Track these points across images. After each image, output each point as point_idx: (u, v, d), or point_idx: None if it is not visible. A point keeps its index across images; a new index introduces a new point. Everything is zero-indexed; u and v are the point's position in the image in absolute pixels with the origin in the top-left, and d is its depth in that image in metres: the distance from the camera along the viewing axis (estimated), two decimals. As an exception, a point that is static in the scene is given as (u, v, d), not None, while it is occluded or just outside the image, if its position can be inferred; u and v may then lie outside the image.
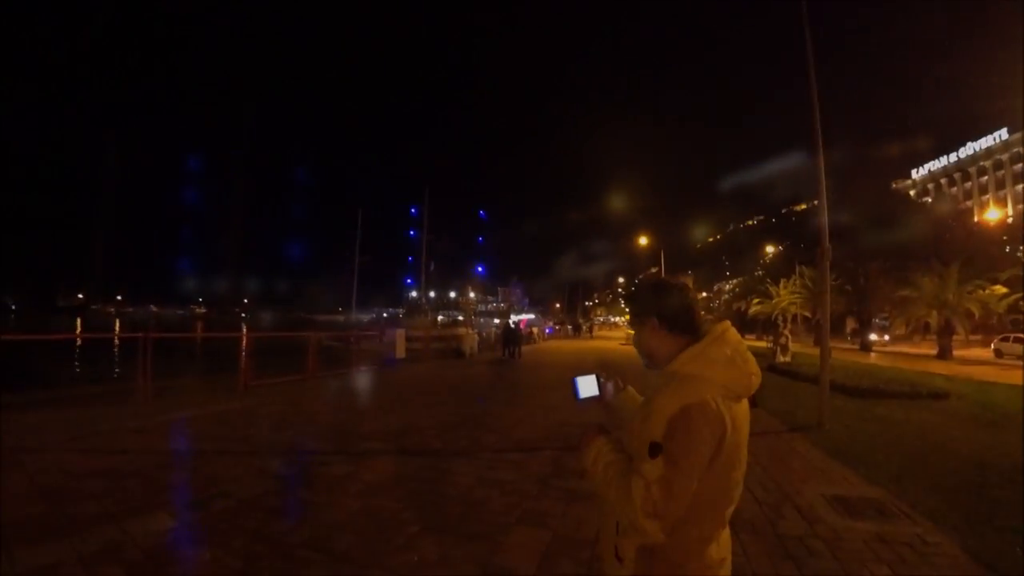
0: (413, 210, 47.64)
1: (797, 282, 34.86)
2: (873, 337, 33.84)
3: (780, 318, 22.19)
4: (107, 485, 4.37)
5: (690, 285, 1.51)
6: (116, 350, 21.48)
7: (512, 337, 21.93)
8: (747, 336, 50.01)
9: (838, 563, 3.24)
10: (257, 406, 8.53)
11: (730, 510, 1.36)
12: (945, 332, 24.08)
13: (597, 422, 1.50)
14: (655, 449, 1.21)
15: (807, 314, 34.37)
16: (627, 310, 1.59)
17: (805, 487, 4.74)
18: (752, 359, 1.35)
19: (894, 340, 37.50)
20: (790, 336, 19.59)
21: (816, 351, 8.77)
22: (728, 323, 1.44)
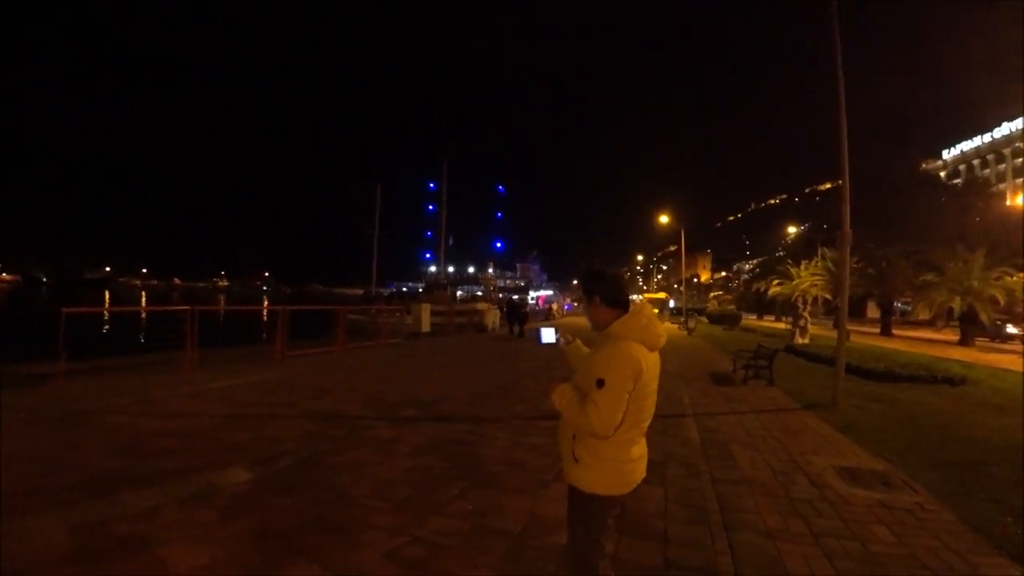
0: (431, 184, 47.74)
1: (819, 264, 34.51)
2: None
3: (800, 300, 22.10)
4: (180, 443, 4.89)
5: (622, 273, 2.34)
6: (144, 321, 22.30)
7: (516, 314, 21.37)
8: (766, 317, 49.79)
9: (842, 523, 3.62)
10: (294, 375, 9.06)
11: (645, 424, 2.07)
12: (967, 318, 23.86)
13: (561, 375, 2.21)
14: (600, 383, 1.90)
15: (828, 296, 34.09)
16: (580, 289, 2.25)
17: (815, 458, 5.13)
18: (660, 325, 2.06)
19: (916, 325, 37.09)
20: (809, 318, 19.69)
21: (835, 334, 9.03)
22: (645, 301, 2.32)
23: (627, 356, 1.92)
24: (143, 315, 24.26)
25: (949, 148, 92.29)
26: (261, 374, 9.03)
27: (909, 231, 30.46)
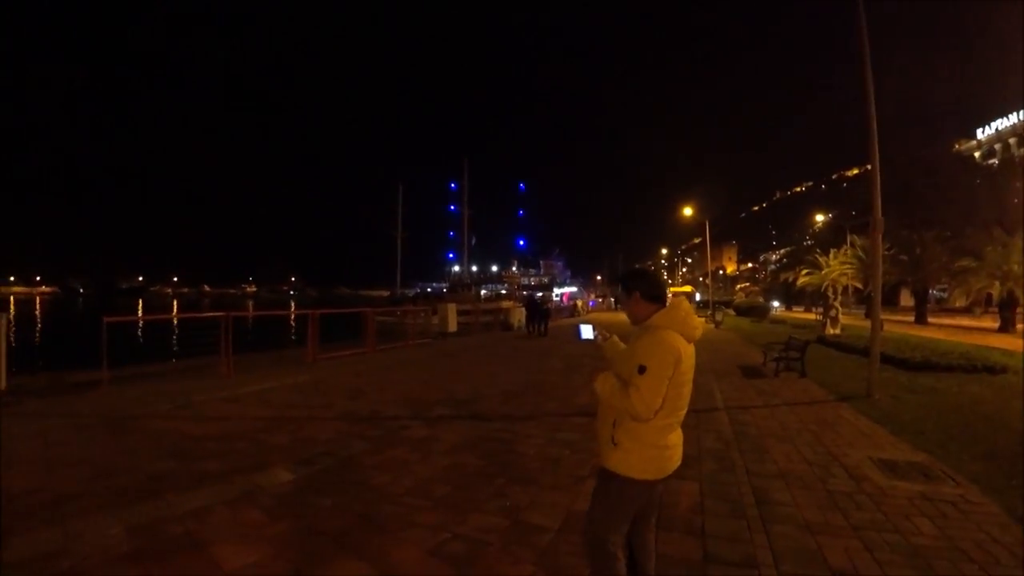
0: (453, 185, 48.02)
1: (848, 252, 33.68)
2: None
3: (830, 290, 21.58)
4: (223, 446, 5.07)
5: (656, 270, 2.46)
6: (178, 328, 22.88)
7: (538, 312, 20.31)
8: (795, 308, 48.89)
9: (883, 516, 3.58)
10: (327, 378, 9.25)
11: (682, 412, 2.19)
12: (1008, 304, 23.08)
13: (604, 364, 2.39)
14: (642, 369, 2.03)
15: (859, 285, 33.24)
16: (619, 287, 2.42)
17: (852, 451, 5.06)
18: (696, 318, 2.21)
19: (953, 312, 35.98)
20: (840, 308, 19.27)
21: (868, 324, 8.83)
22: (683, 297, 2.42)
23: (668, 344, 2.07)
24: (175, 322, 24.89)
25: (983, 127, 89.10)
26: (295, 377, 9.25)
27: (943, 215, 29.50)
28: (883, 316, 12.52)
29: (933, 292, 35.09)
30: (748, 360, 12.18)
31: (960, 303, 27.06)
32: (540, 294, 39.82)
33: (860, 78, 8.02)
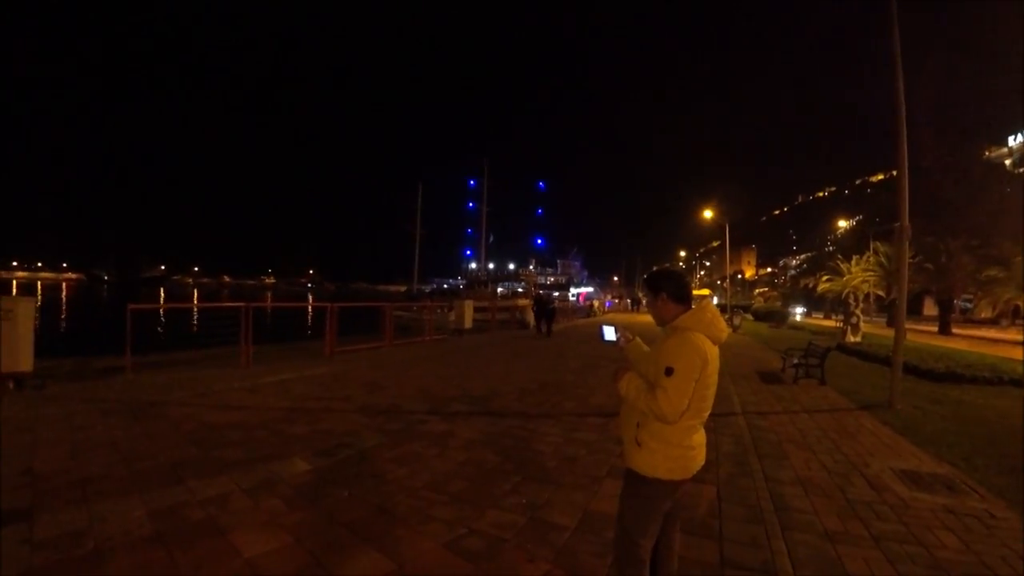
0: (472, 182, 48.03)
1: (871, 259, 33.11)
2: None
3: (851, 297, 21.22)
4: (242, 435, 5.14)
5: (684, 271, 2.59)
6: (198, 317, 23.30)
7: (544, 310, 19.28)
8: (815, 315, 48.16)
9: (904, 527, 3.52)
10: (346, 371, 9.33)
11: (706, 413, 2.18)
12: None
13: (625, 365, 2.36)
14: (669, 371, 2.03)
15: (881, 293, 32.66)
16: (646, 287, 2.40)
17: (873, 460, 4.98)
18: (722, 321, 2.21)
19: (978, 323, 35.18)
20: (861, 316, 18.96)
21: (889, 332, 8.67)
22: (709, 299, 2.47)
23: (695, 346, 2.07)
24: (194, 311, 25.34)
25: (1015, 134, 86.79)
26: (313, 369, 9.34)
27: (971, 223, 28.86)
28: (906, 325, 12.28)
29: (958, 302, 34.35)
30: (766, 365, 12.05)
31: (986, 314, 26.53)
32: (556, 293, 39.77)
33: (891, 80, 7.85)
